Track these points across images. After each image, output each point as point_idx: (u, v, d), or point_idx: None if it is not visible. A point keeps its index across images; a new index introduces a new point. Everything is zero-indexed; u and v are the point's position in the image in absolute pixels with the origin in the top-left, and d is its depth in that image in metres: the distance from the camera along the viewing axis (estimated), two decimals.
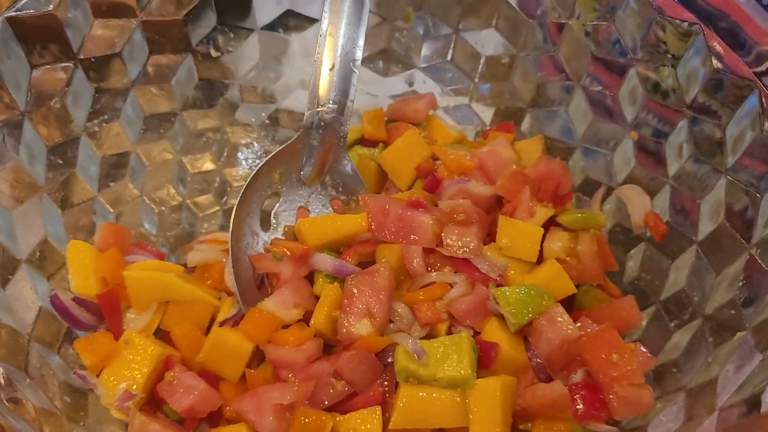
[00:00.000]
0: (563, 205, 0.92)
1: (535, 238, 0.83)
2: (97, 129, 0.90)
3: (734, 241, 0.77)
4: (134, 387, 0.73)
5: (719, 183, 0.81)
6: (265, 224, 0.88)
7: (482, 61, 1.07)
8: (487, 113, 1.11)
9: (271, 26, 1.04)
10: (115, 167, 0.93)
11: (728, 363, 0.68)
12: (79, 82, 0.87)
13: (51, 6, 0.80)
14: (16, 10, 0.78)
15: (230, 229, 0.83)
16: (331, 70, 0.86)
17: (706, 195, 0.83)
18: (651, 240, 0.90)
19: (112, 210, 0.92)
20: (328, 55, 0.86)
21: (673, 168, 0.88)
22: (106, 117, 0.91)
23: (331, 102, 0.87)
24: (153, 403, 0.77)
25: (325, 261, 0.81)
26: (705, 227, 0.83)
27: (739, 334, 0.70)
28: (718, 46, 0.82)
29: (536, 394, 0.75)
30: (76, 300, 0.79)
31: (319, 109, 0.87)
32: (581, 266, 0.86)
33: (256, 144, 1.08)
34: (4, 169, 0.77)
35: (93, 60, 0.88)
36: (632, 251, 0.93)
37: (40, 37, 0.81)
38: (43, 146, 0.83)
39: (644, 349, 0.76)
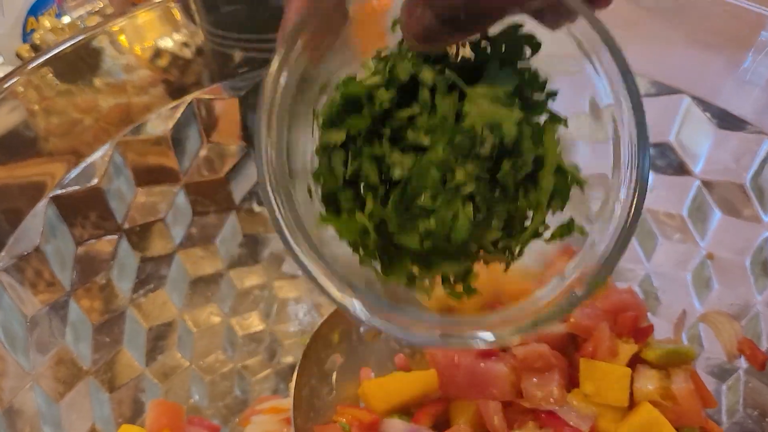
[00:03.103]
0: (645, 340, 0.85)
1: (624, 380, 0.76)
2: (143, 299, 0.86)
3: None
4: None
5: None
6: (327, 389, 0.81)
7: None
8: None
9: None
10: (161, 338, 0.89)
11: None
12: (124, 253, 0.84)
13: (96, 180, 0.79)
14: (60, 188, 0.77)
15: (291, 398, 0.77)
16: None
17: None
18: (750, 371, 0.82)
19: (160, 385, 0.87)
20: None
21: (761, 289, 0.82)
22: (151, 286, 0.87)
23: None
24: None
25: (398, 428, 0.74)
26: None
27: None
28: None
29: None
30: None
31: None
32: (679, 408, 0.77)
33: (305, 297, 1.03)
34: (50, 357, 0.72)
35: (138, 228, 0.85)
36: (729, 382, 0.84)
37: (85, 212, 0.80)
38: (90, 325, 0.78)
39: None
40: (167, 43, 0.96)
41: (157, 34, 0.96)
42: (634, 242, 0.97)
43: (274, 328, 1.01)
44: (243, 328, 0.98)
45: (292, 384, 0.77)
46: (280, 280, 1.02)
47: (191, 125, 0.90)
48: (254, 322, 0.99)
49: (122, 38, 0.92)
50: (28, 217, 0.72)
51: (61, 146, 0.80)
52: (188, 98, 0.89)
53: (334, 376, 0.82)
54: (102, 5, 1.50)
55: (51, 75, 0.82)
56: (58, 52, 0.79)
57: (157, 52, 0.94)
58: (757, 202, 0.83)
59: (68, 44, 0.80)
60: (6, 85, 0.74)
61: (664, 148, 0.90)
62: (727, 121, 0.84)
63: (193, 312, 0.93)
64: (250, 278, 1.00)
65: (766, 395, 0.80)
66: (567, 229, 0.46)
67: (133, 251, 0.85)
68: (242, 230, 0.98)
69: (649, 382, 0.79)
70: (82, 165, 0.79)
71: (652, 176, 0.93)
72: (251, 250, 1.00)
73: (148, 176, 0.87)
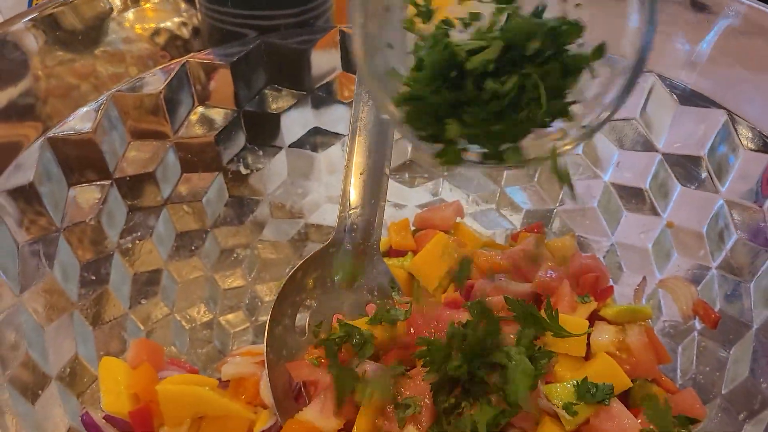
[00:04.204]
0: (605, 300, 0.89)
1: (581, 331, 0.80)
2: (129, 246, 0.90)
3: None
4: None
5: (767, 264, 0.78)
6: (301, 332, 0.85)
7: None
8: (515, 217, 1.11)
9: (299, 144, 1.07)
10: (146, 285, 0.92)
11: None
12: (114, 201, 0.88)
13: (89, 127, 0.83)
14: (56, 131, 0.81)
15: (265, 337, 0.80)
16: (361, 174, 0.87)
17: (755, 278, 0.80)
18: (703, 331, 0.86)
19: (143, 327, 0.90)
20: (358, 160, 0.87)
21: (716, 255, 0.86)
22: (138, 234, 0.91)
23: (362, 205, 0.87)
24: None
25: (367, 367, 0.78)
26: (760, 311, 0.79)
27: None
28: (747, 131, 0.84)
29: None
30: (107, 418, 0.75)
31: (350, 213, 0.86)
32: (633, 359, 0.81)
33: (286, 260, 1.07)
34: (38, 285, 0.76)
35: (128, 179, 0.90)
36: (684, 343, 0.89)
37: (78, 157, 0.84)
38: (77, 263, 0.83)
39: None
40: (166, 23, 1.01)
41: (159, 16, 1.01)
42: (599, 215, 1.02)
43: (254, 286, 1.05)
44: (225, 284, 1.02)
45: (267, 323, 0.81)
46: (263, 242, 1.06)
47: (184, 87, 0.95)
48: (236, 280, 1.03)
49: (125, 15, 0.97)
50: (25, 153, 0.77)
51: (59, 96, 0.85)
52: (182, 60, 0.94)
53: (307, 319, 0.86)
54: None
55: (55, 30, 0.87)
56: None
57: (157, 31, 1.00)
58: (714, 173, 0.88)
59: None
60: (11, 29, 0.79)
61: (631, 125, 0.96)
62: (688, 97, 0.89)
63: (177, 264, 0.97)
64: (235, 238, 1.04)
65: (718, 353, 0.84)
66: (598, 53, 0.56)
67: (122, 200, 0.89)
68: (229, 191, 1.02)
69: (605, 334, 0.83)
70: (80, 112, 0.83)
71: (617, 153, 0.98)
72: (236, 211, 1.04)
73: (140, 131, 0.91)
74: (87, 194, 0.86)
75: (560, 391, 0.74)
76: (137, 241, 0.91)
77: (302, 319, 0.85)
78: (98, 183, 0.86)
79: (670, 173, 0.93)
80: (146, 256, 0.93)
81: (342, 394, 0.74)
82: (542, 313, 0.81)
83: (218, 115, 1.00)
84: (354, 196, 0.87)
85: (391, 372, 0.75)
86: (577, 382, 0.74)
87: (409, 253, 1.02)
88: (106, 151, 0.87)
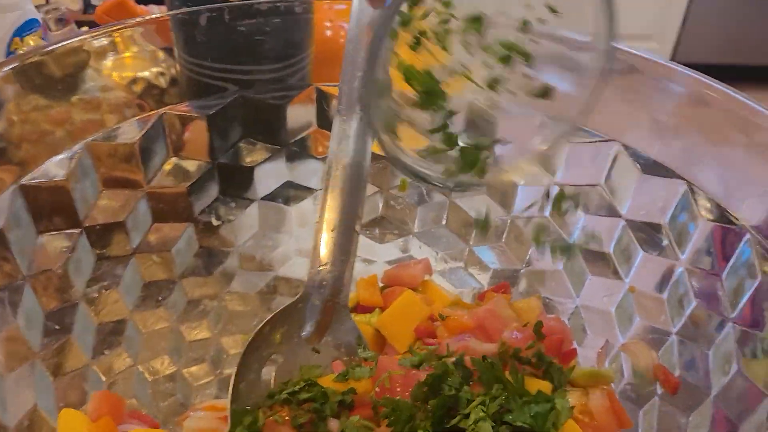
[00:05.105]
0: (569, 362, 0.91)
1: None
2: (95, 295, 0.89)
3: (753, 390, 0.75)
4: None
5: (726, 331, 0.81)
6: (265, 385, 0.85)
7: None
8: (483, 276, 1.12)
9: (271, 197, 1.08)
10: (110, 335, 0.91)
11: None
12: (82, 249, 0.88)
13: (63, 175, 0.83)
14: (29, 178, 0.81)
15: (229, 391, 0.80)
16: (333, 230, 0.88)
17: (713, 345, 0.82)
18: (664, 396, 0.88)
19: (104, 379, 0.89)
20: (330, 216, 0.88)
21: (676, 320, 0.88)
22: (105, 284, 0.91)
23: (332, 261, 0.87)
24: None
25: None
26: (718, 378, 0.81)
27: None
28: (705, 202, 0.87)
29: None
30: None
31: (321, 268, 0.87)
32: (595, 424, 0.82)
33: (253, 312, 1.07)
34: (1, 334, 0.75)
35: (97, 227, 0.89)
36: (645, 408, 0.90)
37: (49, 204, 0.84)
38: (41, 312, 0.81)
39: None
40: (144, 73, 1.03)
41: (137, 65, 1.03)
42: (564, 278, 1.04)
43: (220, 338, 1.04)
44: (190, 335, 1.01)
45: (233, 377, 0.80)
46: (230, 294, 1.06)
47: (159, 137, 0.96)
48: (202, 331, 1.03)
49: (103, 63, 0.98)
50: None
51: (33, 142, 0.85)
52: (160, 111, 0.95)
53: (273, 374, 0.85)
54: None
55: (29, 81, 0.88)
56: (43, 53, 0.85)
57: (134, 80, 1.01)
58: (674, 241, 0.90)
59: (51, 48, 0.87)
60: None
61: (596, 191, 0.99)
62: (651, 167, 0.92)
63: (143, 314, 0.96)
64: (202, 288, 1.03)
65: (678, 418, 0.86)
66: None
67: (91, 248, 0.89)
68: (199, 242, 1.02)
69: (569, 399, 0.84)
70: (53, 159, 0.83)
71: (583, 218, 1.01)
72: (206, 262, 1.04)
73: (113, 179, 0.92)
74: (56, 242, 0.86)
75: None
76: (103, 291, 0.91)
77: (268, 373, 0.85)
78: (68, 231, 0.86)
79: (632, 239, 0.95)
80: (112, 305, 0.92)
81: None
82: (507, 375, 0.82)
83: (192, 167, 1.01)
84: (324, 252, 0.88)
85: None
86: None
87: (377, 309, 1.02)
88: (77, 199, 0.87)
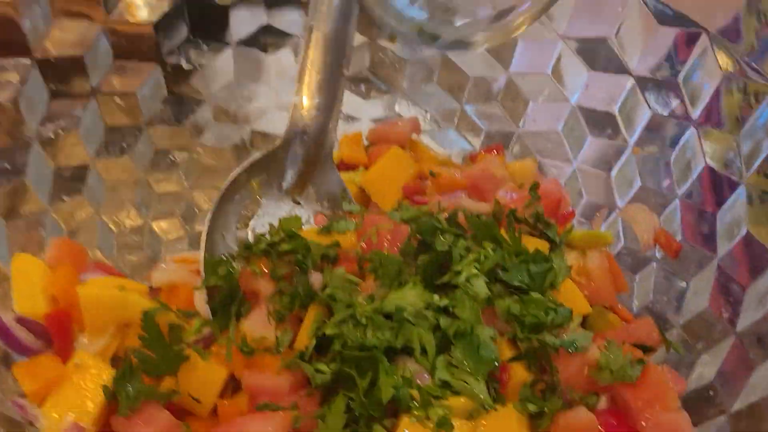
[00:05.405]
0: (566, 224, 0.85)
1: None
2: (51, 136, 0.80)
3: (761, 252, 0.71)
4: (85, 419, 0.61)
5: (737, 193, 0.75)
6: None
7: (470, 82, 1.02)
8: (475, 138, 1.05)
9: (248, 42, 0.97)
10: (70, 181, 0.83)
11: None
12: (34, 83, 0.78)
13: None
14: None
15: (202, 241, 0.73)
16: (317, 72, 0.79)
17: (722, 207, 0.77)
18: (663, 261, 0.84)
19: (64, 227, 0.81)
20: (314, 55, 0.79)
21: (682, 183, 0.83)
22: (62, 124, 0.82)
23: (317, 107, 0.79)
24: None
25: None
26: (724, 242, 0.76)
27: None
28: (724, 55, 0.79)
29: (559, 424, 0.65)
30: (21, 321, 0.68)
31: (303, 114, 0.79)
32: (593, 285, 0.78)
33: (227, 167, 0.99)
34: None
35: (52, 61, 0.79)
36: (642, 274, 0.86)
37: None
38: None
39: (673, 372, 0.68)
40: None
41: None
42: (562, 140, 0.97)
43: (192, 193, 0.96)
44: (159, 188, 0.93)
45: (205, 226, 0.74)
46: (203, 147, 0.98)
47: None
48: (171, 184, 0.95)
49: None
50: None
51: None
52: None
53: (251, 226, 0.79)
54: None
55: None
56: None
57: None
58: (688, 100, 0.83)
59: None
60: None
61: (604, 45, 0.90)
62: (666, 16, 0.84)
63: (106, 161, 0.87)
64: (171, 139, 0.95)
65: (676, 284, 0.82)
66: None
67: (44, 83, 0.79)
68: (167, 87, 0.93)
69: (567, 259, 0.79)
70: None
71: (587, 75, 0.93)
72: (175, 110, 0.95)
73: (66, 11, 0.81)
74: (4, 74, 0.76)
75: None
76: (60, 132, 0.82)
77: (245, 225, 0.79)
78: (16, 61, 0.76)
79: (640, 98, 0.88)
80: (70, 149, 0.83)
81: (284, 305, 0.68)
82: (501, 233, 0.77)
83: (159, 0, 0.89)
84: (308, 94, 0.79)
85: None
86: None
87: (361, 167, 0.96)
88: (27, 28, 0.76)
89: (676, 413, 0.64)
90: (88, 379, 0.63)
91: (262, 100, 1.01)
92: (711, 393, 0.68)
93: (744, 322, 0.69)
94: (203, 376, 0.66)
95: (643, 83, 0.87)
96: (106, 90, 0.86)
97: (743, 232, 0.74)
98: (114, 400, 0.63)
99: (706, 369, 0.71)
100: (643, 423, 0.64)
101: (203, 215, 0.96)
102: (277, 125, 1.01)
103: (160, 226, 0.93)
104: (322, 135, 0.80)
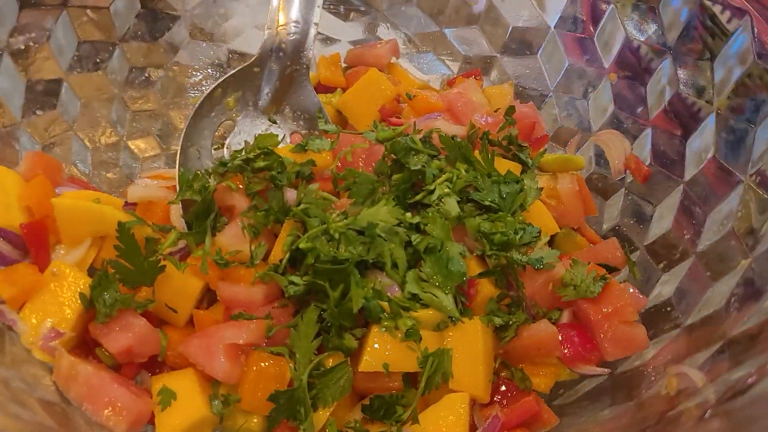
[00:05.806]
0: (539, 148, 0.87)
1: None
2: (22, 48, 0.79)
3: (727, 176, 0.73)
4: (63, 324, 0.63)
5: (707, 120, 0.76)
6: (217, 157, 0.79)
7: (450, 4, 1.01)
8: (454, 63, 1.05)
9: None
10: (43, 95, 0.82)
11: (732, 295, 0.63)
12: None
13: None
14: None
15: (177, 155, 0.73)
16: None
17: (692, 134, 0.79)
18: (631, 186, 0.85)
19: (39, 141, 0.81)
20: None
21: (654, 109, 0.84)
22: (32, 36, 0.80)
23: (293, 23, 0.79)
24: (84, 345, 0.66)
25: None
26: (691, 167, 0.78)
27: (743, 261, 0.64)
28: None
29: (522, 336, 0.68)
30: None
31: (279, 29, 0.78)
32: (562, 207, 0.80)
33: (204, 85, 0.98)
34: None
35: None
36: (611, 199, 0.88)
37: None
38: None
39: (633, 290, 0.70)
40: None
41: None
42: (541, 65, 0.97)
43: (168, 112, 0.95)
44: (134, 105, 0.92)
45: (181, 140, 0.74)
46: (179, 65, 0.96)
47: None
48: (147, 102, 0.94)
49: None
50: None
51: None
52: None
53: (226, 145, 0.79)
54: None
55: None
56: None
57: None
58: (665, 27, 0.83)
59: None
60: None
61: None
62: None
63: (79, 77, 0.86)
64: (146, 57, 0.93)
65: (642, 207, 0.84)
66: None
67: None
68: (141, 2, 0.90)
69: (538, 181, 0.81)
70: None
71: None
72: (149, 26, 0.93)
73: None
74: None
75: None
76: (31, 44, 0.80)
77: (220, 142, 0.79)
78: None
79: (620, 23, 0.88)
80: (42, 62, 0.82)
81: (258, 220, 0.69)
82: (476, 153, 0.78)
83: None
84: (284, 12, 0.78)
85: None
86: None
87: (339, 90, 0.95)
88: None
89: (633, 326, 0.67)
90: (65, 287, 0.64)
91: (239, 19, 0.99)
92: (668, 309, 0.71)
93: (704, 242, 0.72)
94: (179, 286, 0.68)
95: (622, 9, 0.87)
96: (77, 2, 0.84)
97: (710, 156, 0.75)
98: (92, 308, 0.64)
99: (665, 287, 0.74)
100: (602, 335, 0.67)
101: (179, 134, 0.95)
102: (253, 45, 0.98)
103: (136, 144, 0.92)
104: (299, 52, 0.80)
